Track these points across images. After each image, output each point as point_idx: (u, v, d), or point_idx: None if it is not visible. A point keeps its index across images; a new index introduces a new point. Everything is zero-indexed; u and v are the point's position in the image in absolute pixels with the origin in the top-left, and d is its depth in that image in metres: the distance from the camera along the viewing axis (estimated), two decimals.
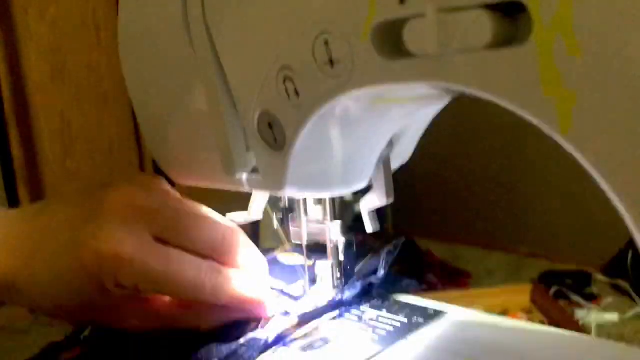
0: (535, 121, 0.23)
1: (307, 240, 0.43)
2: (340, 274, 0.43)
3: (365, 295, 0.44)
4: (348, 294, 0.43)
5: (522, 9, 0.22)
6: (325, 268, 0.43)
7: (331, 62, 0.28)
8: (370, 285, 0.44)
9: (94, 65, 1.82)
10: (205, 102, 0.36)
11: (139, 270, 0.33)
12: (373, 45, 0.26)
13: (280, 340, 0.38)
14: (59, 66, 1.75)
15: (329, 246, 0.42)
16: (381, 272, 0.45)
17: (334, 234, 0.41)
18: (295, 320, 0.40)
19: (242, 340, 0.37)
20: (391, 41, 0.26)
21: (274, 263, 0.47)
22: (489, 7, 0.22)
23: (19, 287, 0.36)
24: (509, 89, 0.23)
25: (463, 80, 0.24)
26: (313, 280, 0.44)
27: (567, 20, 0.20)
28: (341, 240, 0.43)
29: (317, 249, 0.43)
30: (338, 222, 0.41)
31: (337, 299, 0.42)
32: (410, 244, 2.30)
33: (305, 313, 0.40)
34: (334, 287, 0.43)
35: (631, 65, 0.19)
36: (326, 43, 0.28)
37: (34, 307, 0.42)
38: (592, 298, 1.74)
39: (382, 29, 0.26)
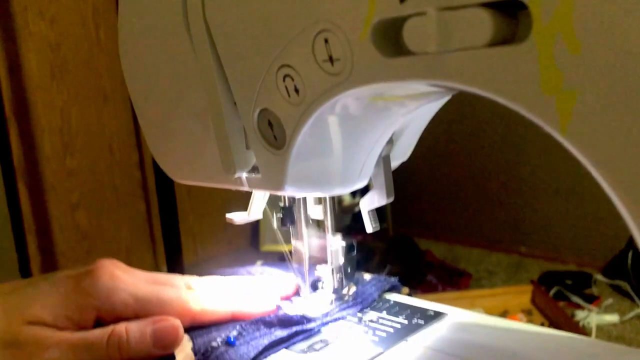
0: (535, 120, 0.22)
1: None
2: (341, 278, 0.43)
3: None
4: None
5: (522, 7, 0.22)
6: (325, 272, 0.43)
7: (331, 59, 0.28)
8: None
9: (93, 63, 1.82)
10: (205, 101, 0.36)
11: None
12: (373, 43, 0.26)
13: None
14: (58, 64, 1.75)
15: (329, 250, 0.42)
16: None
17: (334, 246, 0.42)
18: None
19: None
20: (391, 39, 0.26)
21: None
22: (489, 6, 0.22)
23: None
24: (508, 88, 0.23)
25: (463, 79, 0.24)
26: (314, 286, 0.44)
27: (567, 18, 0.20)
28: (341, 245, 0.42)
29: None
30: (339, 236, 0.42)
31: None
32: (410, 244, 2.30)
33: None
34: (334, 291, 0.43)
35: (632, 64, 0.19)
36: (326, 41, 0.28)
37: None
38: (592, 299, 1.74)
39: (381, 27, 0.26)
